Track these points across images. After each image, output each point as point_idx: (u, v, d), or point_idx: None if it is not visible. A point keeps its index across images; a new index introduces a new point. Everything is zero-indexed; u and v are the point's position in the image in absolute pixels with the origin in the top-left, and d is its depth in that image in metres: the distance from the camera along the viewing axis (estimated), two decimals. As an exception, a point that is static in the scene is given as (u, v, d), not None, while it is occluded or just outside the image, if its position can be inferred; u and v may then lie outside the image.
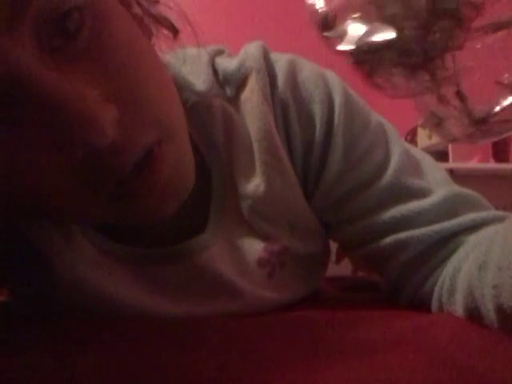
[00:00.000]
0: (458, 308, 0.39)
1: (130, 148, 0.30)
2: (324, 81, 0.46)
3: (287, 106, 0.45)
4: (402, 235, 0.44)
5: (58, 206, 0.32)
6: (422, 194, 0.45)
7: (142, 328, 0.38)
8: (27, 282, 0.43)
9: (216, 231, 0.44)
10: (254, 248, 0.45)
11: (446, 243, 0.43)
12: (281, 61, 0.46)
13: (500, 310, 0.33)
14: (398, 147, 0.46)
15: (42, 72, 0.27)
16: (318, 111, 0.45)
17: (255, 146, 0.44)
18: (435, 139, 1.66)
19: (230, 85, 0.45)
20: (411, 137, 1.96)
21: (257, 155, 0.44)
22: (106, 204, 0.32)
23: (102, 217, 0.35)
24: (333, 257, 0.61)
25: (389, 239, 0.44)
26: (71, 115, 0.27)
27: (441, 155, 1.68)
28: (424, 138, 1.75)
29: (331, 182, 0.45)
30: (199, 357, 0.31)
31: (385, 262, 0.46)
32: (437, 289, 0.43)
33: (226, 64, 0.46)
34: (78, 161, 0.29)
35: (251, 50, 0.46)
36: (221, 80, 0.45)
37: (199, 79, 0.44)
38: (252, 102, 0.44)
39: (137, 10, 0.37)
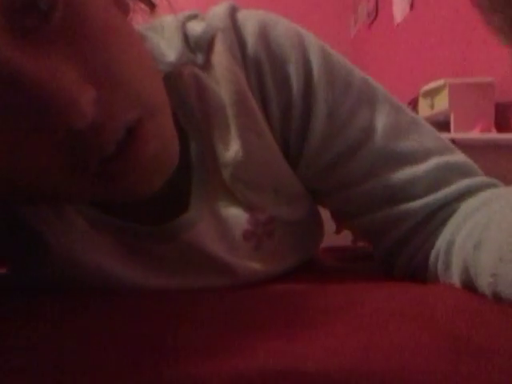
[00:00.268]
0: (455, 281, 0.39)
1: (111, 126, 0.30)
2: (299, 39, 0.43)
3: (260, 65, 0.43)
4: (396, 210, 0.43)
5: (47, 189, 0.32)
6: (414, 159, 0.43)
7: (130, 301, 0.39)
8: (19, 255, 0.43)
9: (200, 205, 0.44)
10: (239, 221, 0.45)
11: (439, 212, 0.43)
12: (251, 18, 0.44)
13: (496, 295, 0.33)
14: (385, 107, 0.44)
15: (15, 55, 0.26)
16: (293, 72, 0.43)
17: (229, 110, 0.42)
18: (437, 109, 1.65)
19: (200, 49, 0.43)
20: (412, 107, 1.94)
21: (232, 120, 0.42)
22: (93, 184, 0.32)
23: (90, 196, 0.35)
24: (333, 227, 0.61)
25: (382, 213, 0.44)
26: (49, 98, 0.27)
27: (442, 125, 1.67)
28: (425, 107, 1.74)
29: (316, 148, 0.44)
30: (183, 330, 0.31)
31: (379, 235, 0.46)
32: (432, 260, 0.43)
33: (196, 28, 0.44)
34: (59, 142, 0.29)
35: (217, 10, 0.44)
36: (192, 46, 0.43)
37: (170, 48, 0.43)
38: (221, 65, 0.42)
39: None
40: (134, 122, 0.31)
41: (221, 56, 0.42)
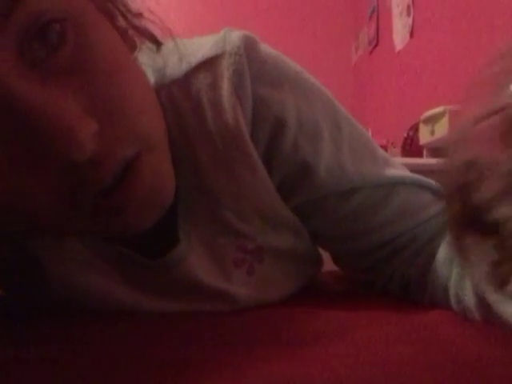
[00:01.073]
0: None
1: (110, 160, 0.30)
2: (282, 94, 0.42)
3: (256, 103, 0.42)
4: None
5: (45, 222, 0.32)
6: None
7: (128, 324, 0.39)
8: (17, 280, 0.44)
9: (189, 236, 0.44)
10: (228, 249, 0.45)
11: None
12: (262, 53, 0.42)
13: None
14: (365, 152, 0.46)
15: (22, 85, 0.27)
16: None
17: (219, 140, 0.41)
18: (437, 135, 1.66)
19: (187, 63, 0.41)
20: (413, 133, 1.95)
21: (223, 151, 0.41)
22: (88, 218, 0.32)
23: (85, 230, 0.35)
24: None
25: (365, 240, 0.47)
26: (50, 129, 0.27)
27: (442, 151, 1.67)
28: (426, 134, 1.75)
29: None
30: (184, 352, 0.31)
31: (358, 260, 0.49)
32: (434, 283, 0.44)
33: (192, 42, 0.43)
34: (57, 176, 0.29)
35: (231, 36, 0.42)
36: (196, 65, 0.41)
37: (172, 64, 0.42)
38: (217, 90, 0.41)
39: (121, 22, 0.36)
40: (132, 156, 0.31)
41: (221, 80, 0.41)
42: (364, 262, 0.49)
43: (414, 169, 0.48)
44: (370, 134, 0.53)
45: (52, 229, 0.34)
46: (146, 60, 0.40)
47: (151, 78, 0.41)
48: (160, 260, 0.43)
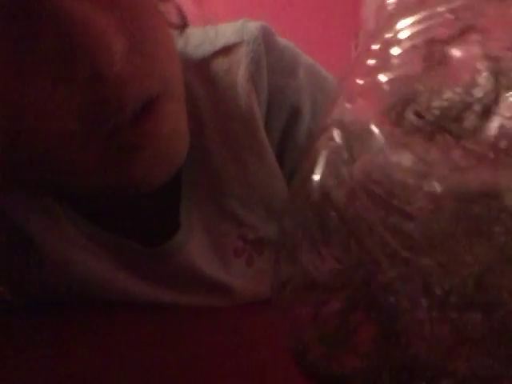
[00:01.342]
0: None
1: (133, 89, 0.29)
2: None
3: (272, 94, 0.43)
4: None
5: (51, 151, 0.31)
6: None
7: (126, 318, 0.39)
8: (12, 266, 0.43)
9: (191, 221, 0.43)
10: (230, 237, 0.44)
11: None
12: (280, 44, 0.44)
13: None
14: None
15: None
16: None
17: (232, 124, 0.42)
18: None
19: (204, 49, 0.42)
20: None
21: (233, 136, 0.42)
22: (98, 155, 0.31)
23: (100, 171, 0.33)
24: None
25: None
26: (82, 37, 0.26)
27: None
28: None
29: None
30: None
31: None
32: None
33: (208, 29, 0.44)
34: (80, 90, 0.28)
35: (249, 26, 0.43)
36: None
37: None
38: (233, 75, 0.42)
39: None
40: (153, 96, 0.31)
41: (238, 66, 0.42)
42: None
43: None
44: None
45: (61, 160, 0.32)
46: None
47: None
48: (159, 248, 0.42)
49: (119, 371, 0.27)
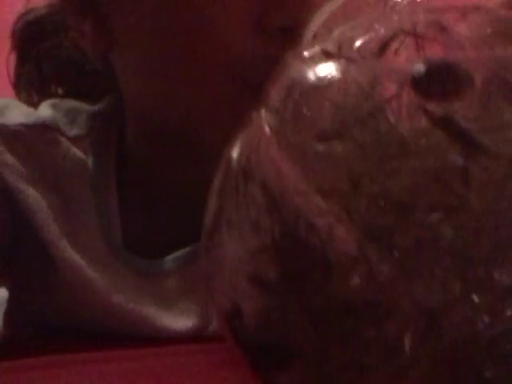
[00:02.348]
0: None
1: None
2: None
3: None
4: None
5: (222, 42, 0.36)
6: None
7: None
8: (29, 282, 0.42)
9: None
10: None
11: None
12: None
13: None
14: None
15: None
16: None
17: None
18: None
19: None
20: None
21: None
22: (265, 42, 0.36)
23: (240, 52, 0.37)
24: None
25: None
26: None
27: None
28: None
29: None
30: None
31: None
32: None
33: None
34: None
35: None
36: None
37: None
38: None
39: None
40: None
41: None
42: None
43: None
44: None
45: (227, 55, 0.37)
46: None
47: None
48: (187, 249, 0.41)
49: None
